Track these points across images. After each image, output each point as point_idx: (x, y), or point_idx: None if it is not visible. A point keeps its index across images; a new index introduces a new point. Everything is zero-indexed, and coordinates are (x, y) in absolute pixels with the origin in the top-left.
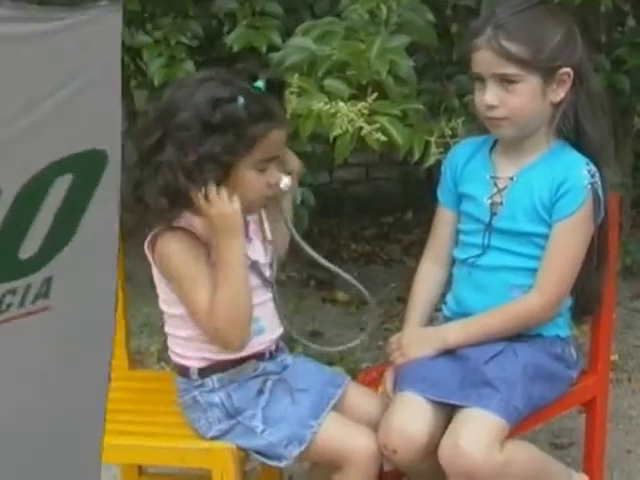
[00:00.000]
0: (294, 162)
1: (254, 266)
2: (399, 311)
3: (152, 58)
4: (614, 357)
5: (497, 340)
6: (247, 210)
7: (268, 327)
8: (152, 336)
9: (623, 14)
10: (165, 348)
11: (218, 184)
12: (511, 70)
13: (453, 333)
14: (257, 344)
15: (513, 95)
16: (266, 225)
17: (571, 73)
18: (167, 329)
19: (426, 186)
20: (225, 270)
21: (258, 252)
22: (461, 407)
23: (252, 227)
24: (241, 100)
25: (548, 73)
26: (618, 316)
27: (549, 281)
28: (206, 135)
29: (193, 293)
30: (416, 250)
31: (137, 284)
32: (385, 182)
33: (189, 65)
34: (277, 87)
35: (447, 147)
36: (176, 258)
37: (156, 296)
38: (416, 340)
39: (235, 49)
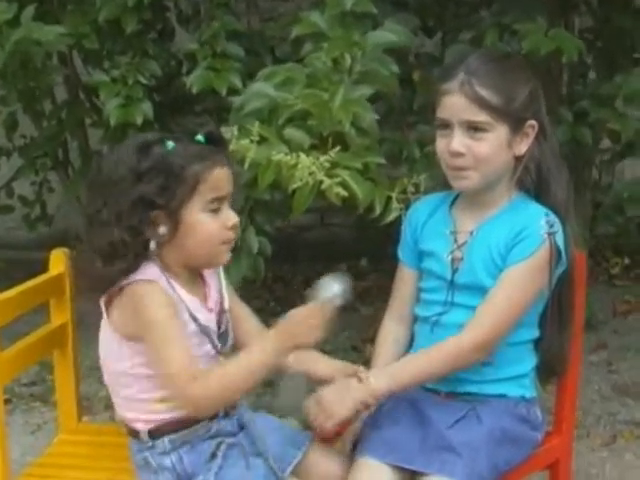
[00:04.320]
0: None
1: (205, 331)
2: (353, 360)
3: (109, 98)
4: None
5: (459, 403)
6: (209, 262)
7: None
8: (101, 381)
9: (585, 67)
10: None
11: (171, 234)
12: (482, 118)
13: (382, 382)
14: None
15: (480, 143)
16: (225, 295)
17: (536, 126)
18: (110, 390)
19: (381, 233)
20: (254, 364)
21: (212, 322)
22: (423, 473)
23: (213, 297)
24: (170, 143)
25: (516, 124)
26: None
27: (485, 322)
28: (137, 183)
29: (168, 350)
30: (371, 297)
31: (87, 327)
32: (340, 228)
33: (146, 105)
34: (218, 140)
35: (408, 202)
36: (153, 310)
37: None
38: (338, 397)
39: (194, 91)
